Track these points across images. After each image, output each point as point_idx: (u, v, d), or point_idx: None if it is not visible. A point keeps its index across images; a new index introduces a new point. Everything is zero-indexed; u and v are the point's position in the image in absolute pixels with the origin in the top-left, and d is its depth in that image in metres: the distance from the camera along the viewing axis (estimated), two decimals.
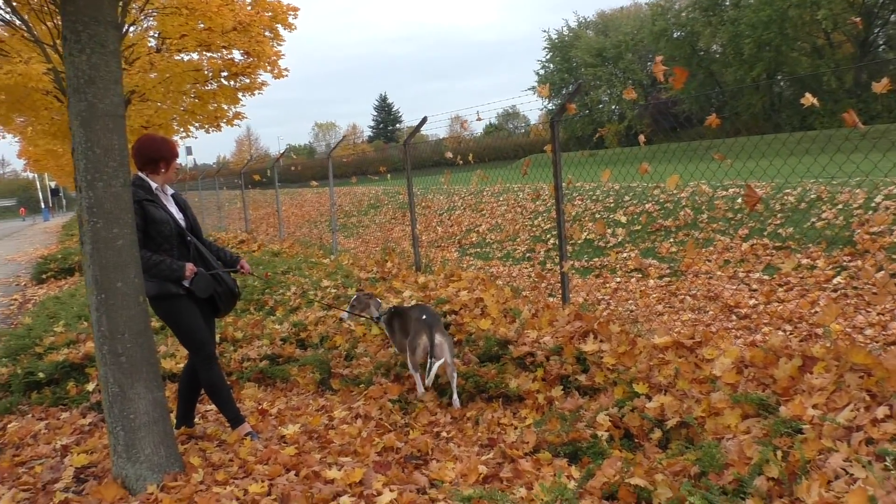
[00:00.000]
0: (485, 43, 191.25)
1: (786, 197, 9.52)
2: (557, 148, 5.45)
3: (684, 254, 9.06)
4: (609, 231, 10.98)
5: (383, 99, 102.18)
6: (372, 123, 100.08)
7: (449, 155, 6.79)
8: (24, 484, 3.95)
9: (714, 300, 7.57)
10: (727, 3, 55.21)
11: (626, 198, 12.22)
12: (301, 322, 6.47)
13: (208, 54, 12.54)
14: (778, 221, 8.93)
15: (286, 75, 13.29)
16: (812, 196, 9.28)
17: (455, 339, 5.86)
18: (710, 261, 8.63)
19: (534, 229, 12.57)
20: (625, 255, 9.87)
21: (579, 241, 11.10)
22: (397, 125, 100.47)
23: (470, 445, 4.26)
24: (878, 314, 6.13)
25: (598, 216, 11.96)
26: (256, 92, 13.52)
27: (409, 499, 3.45)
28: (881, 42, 50.32)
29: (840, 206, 8.60)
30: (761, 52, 51.55)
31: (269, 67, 13.04)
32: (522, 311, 5.84)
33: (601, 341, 4.97)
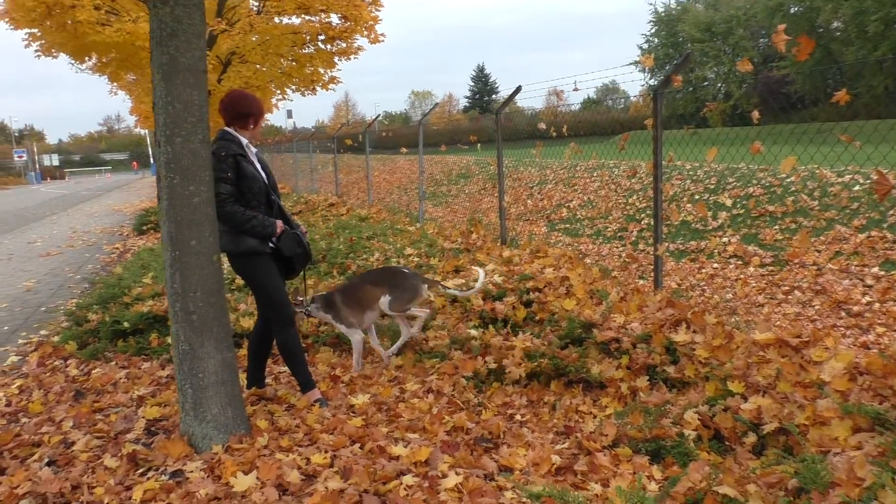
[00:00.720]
0: (586, 16, 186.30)
1: None
2: (659, 122, 5.07)
3: (790, 242, 8.44)
4: (710, 214, 10.39)
5: (481, 69, 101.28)
6: (468, 94, 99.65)
7: (542, 126, 6.47)
8: (98, 431, 3.99)
9: (821, 294, 7.00)
10: None
11: (730, 179, 11.54)
12: None
13: (306, 17, 12.56)
14: None
15: (382, 41, 13.18)
16: None
17: (537, 319, 5.62)
18: (819, 251, 8.00)
19: (627, 207, 12.08)
20: (724, 239, 9.31)
21: (676, 223, 10.57)
22: (493, 96, 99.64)
23: (544, 432, 4.03)
24: None
25: (697, 197, 11.35)
26: (352, 56, 13.48)
27: (475, 485, 3.26)
28: None
29: None
30: (889, 29, 48.11)
31: (365, 32, 12.96)
32: (610, 294, 5.53)
33: (694, 332, 4.61)
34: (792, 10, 57.80)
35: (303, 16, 12.43)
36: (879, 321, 6.07)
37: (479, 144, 9.17)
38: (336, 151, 16.29)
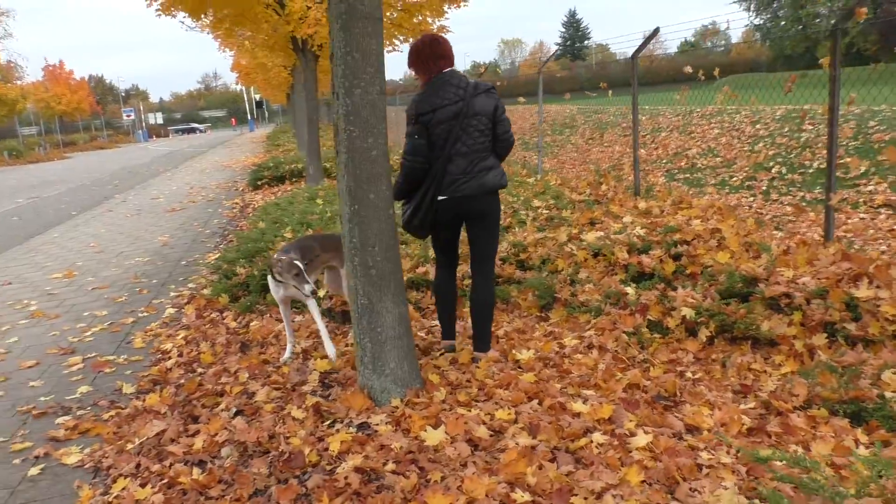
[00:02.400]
0: None
1: None
2: (837, 61, 4.69)
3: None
4: (849, 160, 9.76)
5: (572, 14, 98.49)
6: (559, 40, 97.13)
7: (688, 70, 6.13)
8: (274, 382, 4.10)
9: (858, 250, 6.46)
10: None
11: (871, 123, 10.79)
12: (520, 242, 6.26)
13: None
14: None
15: None
16: None
17: (688, 273, 5.40)
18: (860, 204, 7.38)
19: (754, 155, 11.50)
20: (870, 188, 8.72)
21: (810, 170, 9.99)
22: (586, 42, 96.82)
23: (721, 390, 3.87)
24: None
25: (842, 143, 10.67)
26: (462, 3, 13.20)
27: (667, 444, 3.16)
28: None
29: None
30: None
31: None
32: (771, 247, 5.25)
33: (878, 287, 4.32)
34: None
35: None
36: None
37: (610, 92, 8.82)
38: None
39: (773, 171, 10.46)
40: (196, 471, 3.15)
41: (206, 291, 6.22)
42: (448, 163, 3.95)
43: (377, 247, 3.59)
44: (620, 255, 5.77)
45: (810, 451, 3.13)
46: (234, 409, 3.78)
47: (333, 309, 5.43)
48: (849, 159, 9.81)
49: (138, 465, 3.32)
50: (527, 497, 2.76)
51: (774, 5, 69.45)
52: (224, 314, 5.73)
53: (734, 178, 10.71)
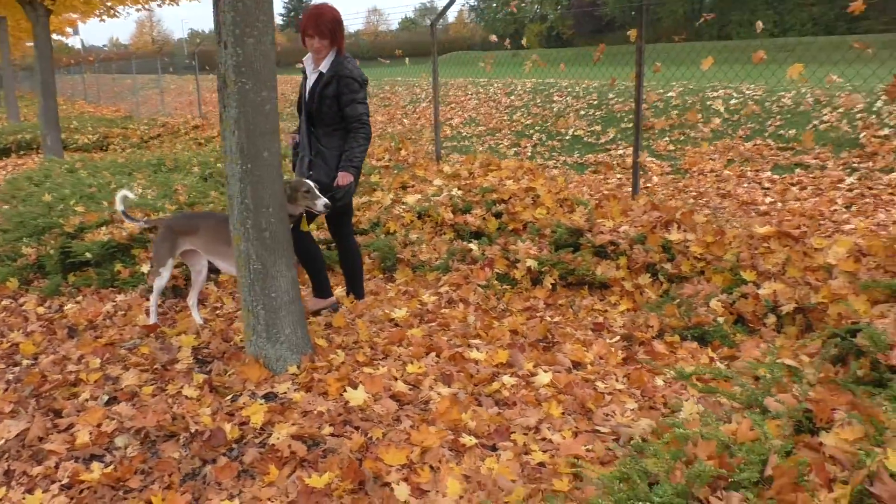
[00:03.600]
0: None
1: (782, 99, 9.75)
2: (642, 34, 5.29)
3: (684, 151, 9.19)
4: (598, 128, 10.99)
5: None
6: (283, 11, 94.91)
7: (496, 39, 6.45)
8: (137, 365, 3.70)
9: (727, 198, 7.75)
10: None
11: (610, 96, 12.20)
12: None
13: None
14: (778, 123, 9.16)
15: None
16: (810, 98, 9.55)
17: (510, 229, 5.79)
18: (713, 159, 8.79)
19: (513, 124, 12.43)
20: (619, 152, 9.92)
21: (567, 137, 11.07)
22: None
23: (581, 329, 4.27)
24: None
25: (583, 113, 11.92)
26: None
27: (567, 380, 3.44)
28: None
29: (841, 110, 8.89)
30: None
31: None
32: (588, 201, 5.81)
33: (685, 231, 5.02)
34: None
35: None
36: (787, 218, 6.86)
37: (407, 59, 8.96)
38: (198, 70, 15.14)
39: (534, 138, 11.41)
40: (97, 465, 2.78)
41: None
42: None
43: (271, 207, 3.40)
44: (446, 215, 5.99)
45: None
46: (106, 397, 3.36)
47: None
48: (597, 127, 11.05)
49: (7, 471, 2.84)
50: (472, 440, 2.86)
51: None
52: (20, 300, 4.97)
53: (500, 145, 11.49)
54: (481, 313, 4.42)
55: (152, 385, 3.47)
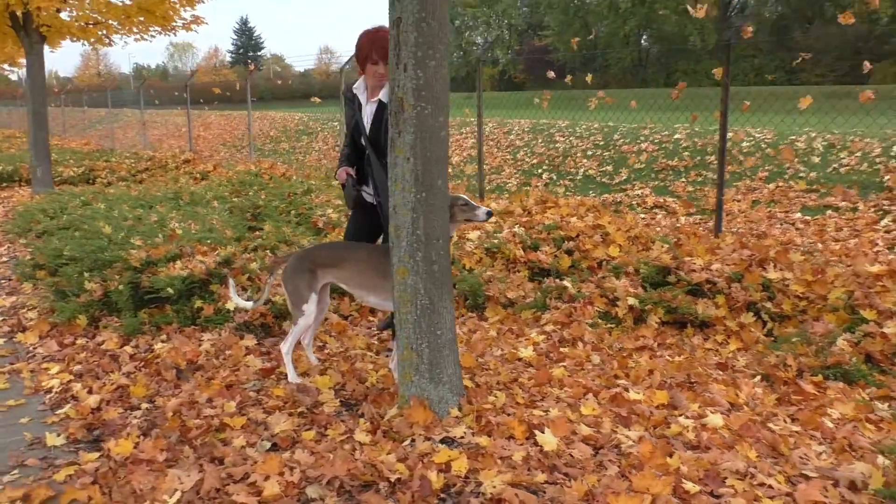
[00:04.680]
0: None
1: (795, 143, 10.03)
2: (728, 71, 5.34)
3: (704, 192, 9.31)
4: (609, 168, 11.08)
5: (244, 22, 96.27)
6: (231, 48, 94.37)
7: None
8: (277, 408, 3.45)
9: (763, 238, 7.83)
10: None
11: (615, 137, 12.37)
12: None
13: None
14: (798, 166, 9.39)
15: None
16: (825, 144, 9.84)
17: (585, 267, 5.69)
18: (738, 200, 8.92)
19: (518, 163, 12.45)
20: (637, 192, 10.00)
21: (578, 176, 11.13)
22: (259, 52, 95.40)
23: (708, 368, 4.17)
24: None
25: (590, 153, 12.02)
26: None
27: (740, 421, 3.33)
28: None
29: (860, 154, 9.17)
30: (636, 6, 54.00)
31: None
32: (660, 239, 5.77)
33: (781, 269, 5.01)
34: None
35: None
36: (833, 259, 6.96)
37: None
38: (189, 104, 14.77)
39: (544, 177, 11.43)
40: None
41: (55, 316, 4.93)
42: None
43: (441, 239, 3.24)
44: (518, 252, 5.87)
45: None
46: (267, 444, 3.10)
47: (252, 322, 4.70)
48: (608, 167, 11.15)
49: None
50: (696, 487, 2.71)
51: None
52: (96, 339, 4.62)
53: (509, 184, 11.47)
54: (604, 353, 4.29)
55: (308, 429, 3.22)
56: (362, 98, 3.98)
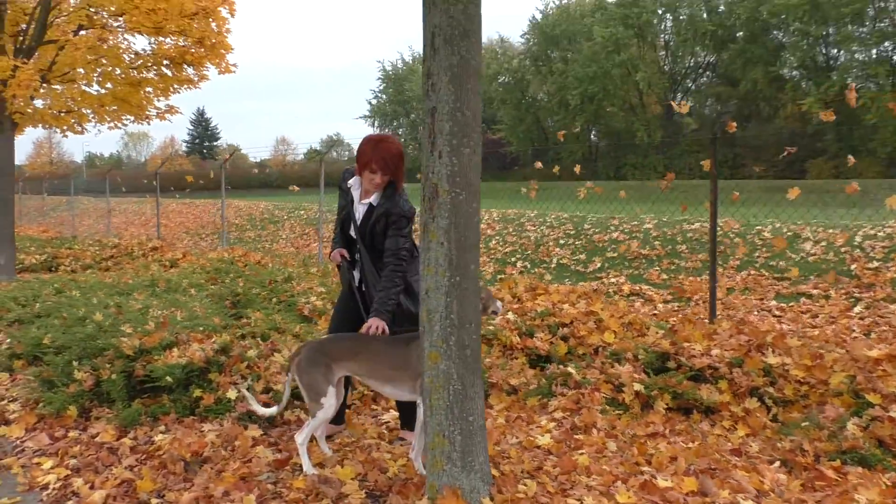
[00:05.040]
0: (301, 69, 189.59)
1: (762, 233, 10.39)
2: (715, 165, 5.57)
3: (679, 280, 9.51)
4: (583, 257, 11.28)
5: (201, 113, 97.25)
6: (187, 138, 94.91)
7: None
8: (298, 500, 3.30)
9: (743, 325, 7.99)
10: (556, 56, 59.93)
11: (586, 226, 12.64)
12: None
13: (159, 39, 11.35)
14: (766, 255, 9.70)
15: (234, 71, 12.33)
16: (788, 234, 10.21)
17: (580, 353, 5.70)
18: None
19: (491, 251, 12.59)
20: (612, 279, 10.16)
21: (552, 265, 11.29)
22: (216, 142, 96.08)
23: (723, 454, 4.16)
24: None
25: (563, 242, 12.24)
26: (197, 86, 12.41)
27: None
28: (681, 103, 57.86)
29: (824, 243, 9.53)
30: (585, 104, 56.45)
31: (216, 60, 12.04)
32: (653, 325, 5.84)
33: (780, 354, 5.09)
34: (506, 80, 65.07)
35: (157, 37, 11.19)
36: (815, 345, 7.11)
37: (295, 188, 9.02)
38: (158, 191, 14.68)
39: (518, 265, 11.56)
40: None
41: (42, 407, 4.70)
42: None
43: (474, 324, 3.22)
44: (514, 338, 5.87)
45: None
46: None
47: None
48: (581, 256, 11.35)
49: None
50: None
51: (394, 124, 77.82)
52: (89, 431, 4.40)
53: (484, 272, 11.55)
54: (618, 440, 4.25)
55: None
56: (356, 195, 4.14)
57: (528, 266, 11.45)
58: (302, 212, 18.98)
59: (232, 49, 12.05)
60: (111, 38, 11.06)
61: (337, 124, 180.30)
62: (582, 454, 3.87)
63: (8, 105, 11.00)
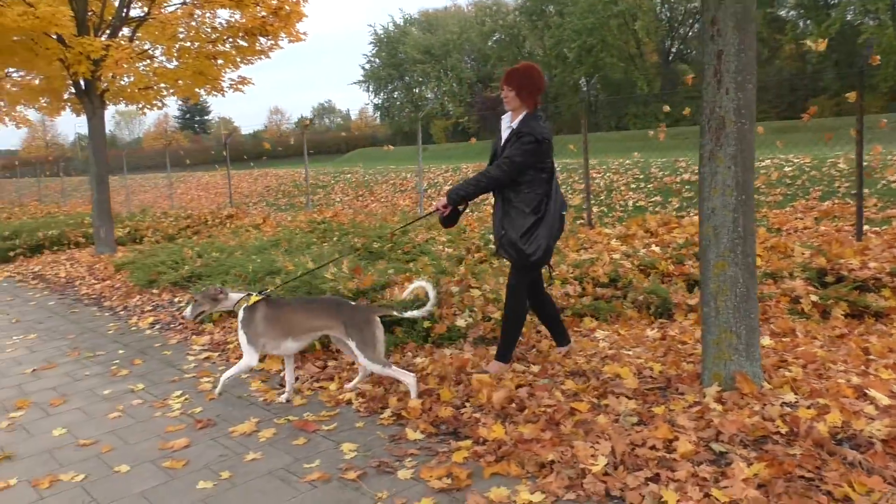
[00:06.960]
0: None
1: (838, 164, 10.94)
2: (861, 104, 6.07)
3: (763, 213, 10.05)
4: (659, 199, 11.79)
5: None
6: (178, 114, 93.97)
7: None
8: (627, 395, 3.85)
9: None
10: (552, 10, 59.59)
11: (652, 169, 13.14)
12: (580, 262, 6.51)
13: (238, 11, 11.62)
14: (847, 184, 10.24)
15: (304, 39, 12.59)
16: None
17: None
18: (799, 218, 9.66)
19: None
20: (694, 217, 10.68)
21: (629, 208, 11.83)
22: (206, 116, 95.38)
23: None
24: None
25: (634, 186, 12.75)
26: (269, 56, 12.68)
27: None
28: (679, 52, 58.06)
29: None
30: (583, 56, 56.30)
31: (289, 29, 12.31)
32: (813, 245, 6.41)
33: None
34: (502, 37, 64.79)
35: (237, 9, 11.47)
36: None
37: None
38: (229, 162, 15.11)
39: (595, 210, 12.07)
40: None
41: None
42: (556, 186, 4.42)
43: (753, 236, 3.75)
44: (670, 267, 6.41)
45: None
46: (633, 418, 3.52)
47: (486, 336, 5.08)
48: (657, 198, 11.86)
49: None
50: None
51: (389, 87, 77.21)
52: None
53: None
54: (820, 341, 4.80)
55: (656, 406, 3.64)
56: (504, 124, 4.42)
57: (605, 210, 11.96)
58: (349, 175, 19.39)
59: (306, 16, 12.31)
60: (197, 13, 11.33)
61: (328, 92, 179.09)
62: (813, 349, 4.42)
63: (97, 84, 11.32)
